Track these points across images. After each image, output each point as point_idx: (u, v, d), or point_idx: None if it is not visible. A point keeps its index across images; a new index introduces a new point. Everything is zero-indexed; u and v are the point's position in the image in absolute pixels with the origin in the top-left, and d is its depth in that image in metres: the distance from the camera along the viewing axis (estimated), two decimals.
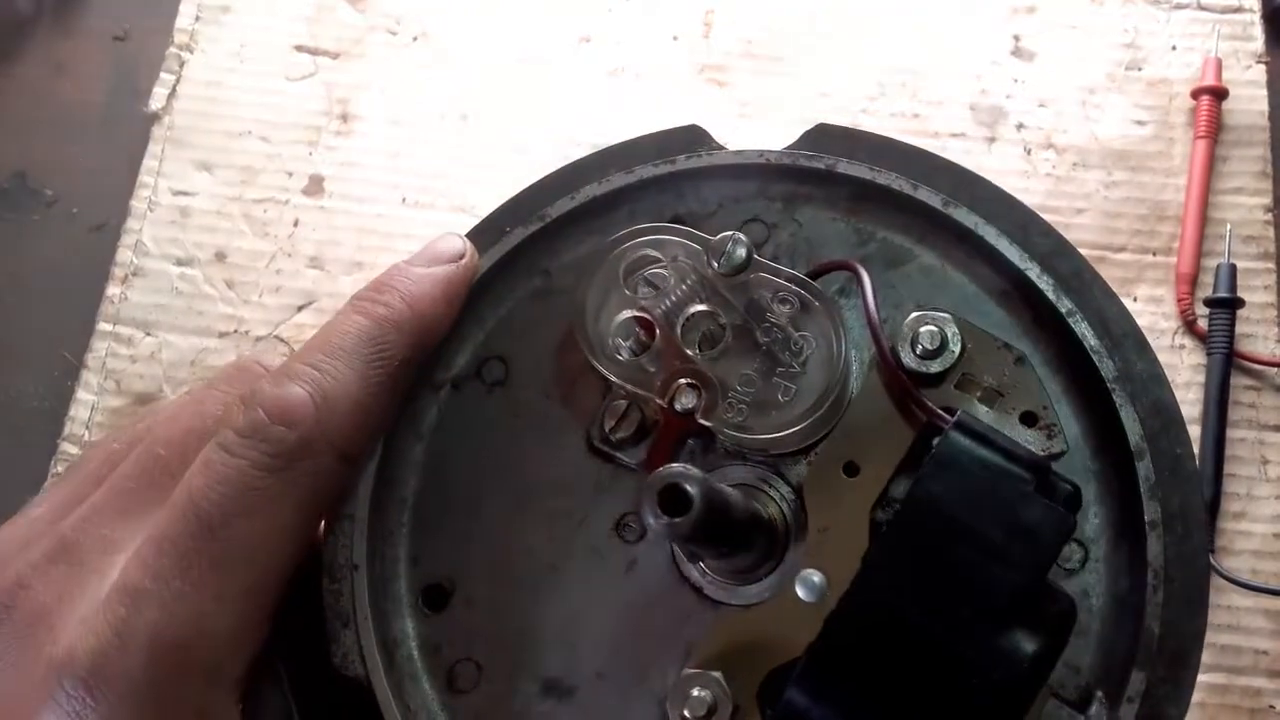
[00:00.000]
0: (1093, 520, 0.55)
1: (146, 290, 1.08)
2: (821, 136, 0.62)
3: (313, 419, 0.53)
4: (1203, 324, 1.05)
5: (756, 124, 1.13)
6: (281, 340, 1.07)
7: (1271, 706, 0.95)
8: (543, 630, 0.56)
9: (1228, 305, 1.04)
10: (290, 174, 1.12)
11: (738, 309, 0.55)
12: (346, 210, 1.11)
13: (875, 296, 0.54)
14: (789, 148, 0.62)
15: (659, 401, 0.55)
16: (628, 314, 0.56)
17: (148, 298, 1.08)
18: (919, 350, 0.55)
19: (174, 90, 1.15)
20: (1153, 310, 1.06)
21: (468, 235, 0.61)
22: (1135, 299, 1.06)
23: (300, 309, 1.08)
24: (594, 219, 0.62)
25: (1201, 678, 0.93)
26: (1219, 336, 1.03)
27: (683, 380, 0.55)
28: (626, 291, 0.56)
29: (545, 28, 1.18)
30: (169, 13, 1.18)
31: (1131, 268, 1.08)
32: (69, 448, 1.03)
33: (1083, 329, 0.56)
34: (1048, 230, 0.58)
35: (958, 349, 0.55)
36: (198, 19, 1.18)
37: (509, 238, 0.61)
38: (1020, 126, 1.13)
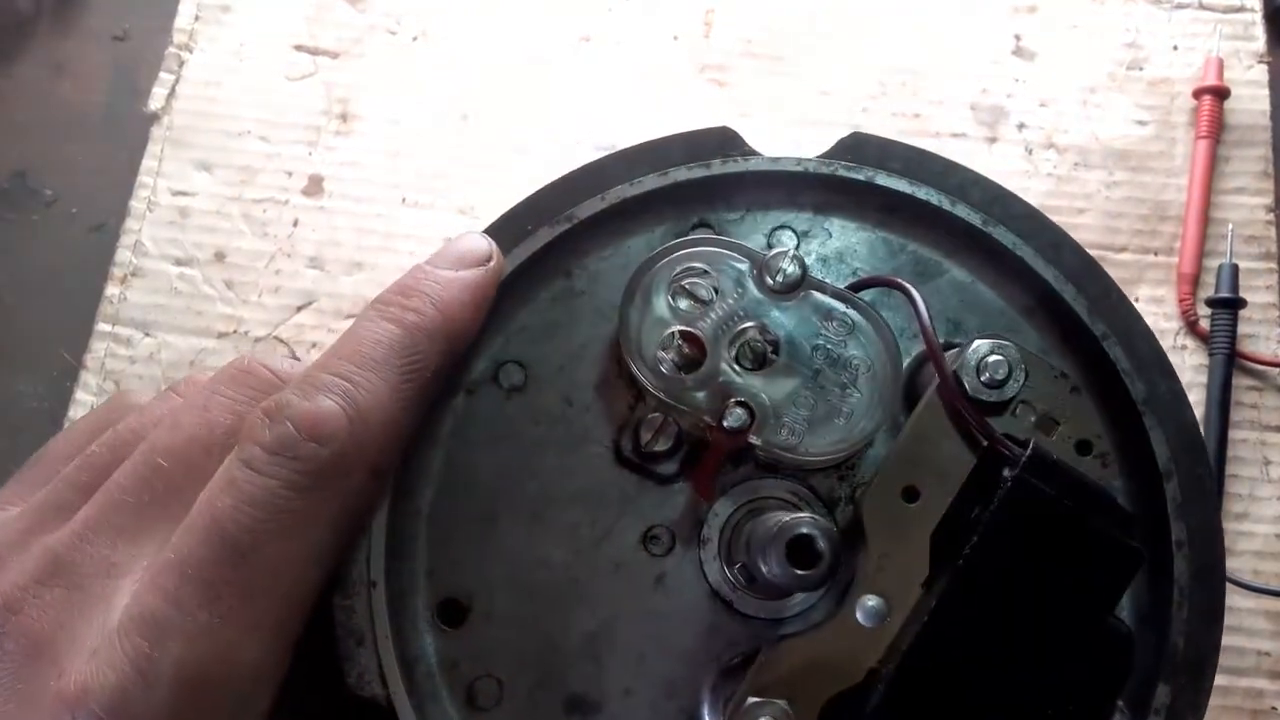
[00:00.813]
0: None
1: (145, 290, 1.07)
2: (855, 144, 0.61)
3: (346, 434, 0.49)
4: (1204, 324, 1.05)
5: (757, 123, 1.13)
6: (281, 341, 1.06)
7: (1273, 708, 0.95)
8: (566, 645, 0.55)
9: (1229, 305, 1.04)
10: (290, 174, 1.11)
11: (787, 326, 0.54)
12: (346, 210, 1.10)
13: (931, 319, 0.53)
14: (823, 156, 0.61)
15: (708, 420, 0.53)
16: (674, 328, 0.54)
17: (147, 298, 1.07)
18: (984, 379, 0.53)
19: (173, 90, 1.14)
20: (1154, 311, 1.06)
21: (487, 232, 0.58)
22: (1137, 299, 1.06)
23: (300, 309, 1.06)
24: (622, 221, 0.60)
25: None
26: (1221, 337, 1.03)
27: (732, 399, 0.53)
28: (670, 304, 0.54)
29: (545, 28, 1.17)
30: (169, 12, 1.16)
31: (1133, 268, 1.08)
32: None
33: (1116, 352, 0.56)
34: (1077, 249, 0.58)
35: (1022, 379, 0.53)
36: (197, 18, 1.17)
37: (533, 238, 0.58)
38: (1021, 126, 1.13)
